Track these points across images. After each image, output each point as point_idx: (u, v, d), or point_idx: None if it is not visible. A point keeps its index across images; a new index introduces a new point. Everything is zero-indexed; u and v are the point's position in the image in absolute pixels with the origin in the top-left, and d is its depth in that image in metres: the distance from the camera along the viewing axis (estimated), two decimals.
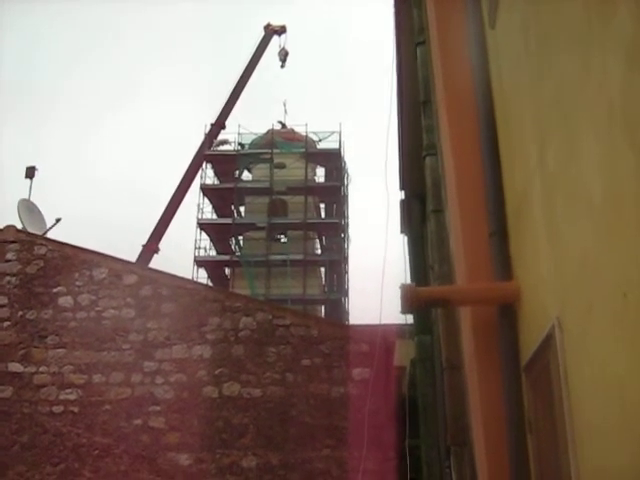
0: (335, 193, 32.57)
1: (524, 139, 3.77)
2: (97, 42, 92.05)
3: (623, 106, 2.26)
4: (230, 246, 31.68)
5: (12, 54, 79.72)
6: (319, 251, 33.29)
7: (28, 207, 16.49)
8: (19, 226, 14.17)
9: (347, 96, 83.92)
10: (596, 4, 2.50)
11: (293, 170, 31.13)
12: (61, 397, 11.73)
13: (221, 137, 33.56)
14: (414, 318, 8.64)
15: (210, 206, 32.06)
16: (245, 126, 33.09)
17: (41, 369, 11.92)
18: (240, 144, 32.93)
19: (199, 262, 30.50)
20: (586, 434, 2.85)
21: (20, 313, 12.28)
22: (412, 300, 4.25)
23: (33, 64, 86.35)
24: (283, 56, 35.96)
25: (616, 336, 2.40)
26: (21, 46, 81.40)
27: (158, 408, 11.49)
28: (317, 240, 33.29)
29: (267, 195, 31.00)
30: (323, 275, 32.69)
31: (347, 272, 32.07)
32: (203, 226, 31.14)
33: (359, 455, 10.28)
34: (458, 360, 5.42)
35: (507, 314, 4.03)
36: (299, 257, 29.33)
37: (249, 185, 32.46)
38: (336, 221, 32.14)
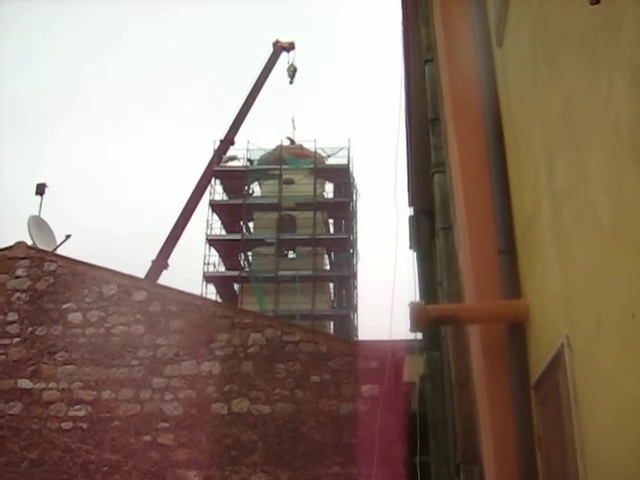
0: (344, 209, 32.57)
1: (532, 157, 3.78)
2: (105, 58, 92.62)
3: (630, 123, 2.28)
4: (239, 262, 31.69)
5: (21, 65, 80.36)
6: (328, 267, 33.26)
7: (38, 224, 16.56)
8: (29, 242, 14.22)
9: (356, 112, 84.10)
10: (602, 21, 2.52)
11: (302, 186, 31.17)
12: (70, 413, 11.74)
13: (230, 153, 33.64)
14: (423, 334, 8.63)
15: (219, 222, 32.13)
16: (254, 142, 33.23)
17: (50, 385, 11.93)
18: (249, 160, 33.00)
19: (208, 278, 30.52)
20: (596, 451, 2.84)
21: (30, 329, 12.31)
22: (421, 318, 4.25)
23: (40, 77, 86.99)
24: (292, 72, 36.11)
25: (625, 355, 2.40)
26: (27, 57, 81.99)
27: (167, 424, 11.49)
28: (326, 256, 33.27)
29: (276, 211, 31.02)
30: (332, 291, 32.65)
31: (356, 288, 32.03)
32: (212, 242, 31.17)
33: (369, 472, 10.25)
34: (467, 377, 5.42)
35: (516, 332, 4.03)
36: (308, 273, 29.30)
37: (258, 201, 32.48)
38: (345, 237, 32.12)
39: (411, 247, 10.35)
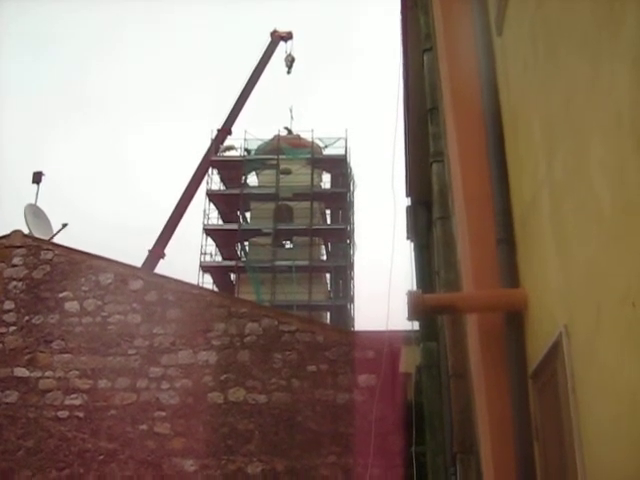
0: (341, 199, 32.57)
1: (532, 146, 3.77)
2: (105, 47, 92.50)
3: (631, 114, 2.26)
4: (236, 252, 31.69)
5: (22, 56, 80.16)
6: (325, 257, 33.29)
7: (34, 212, 16.51)
8: (26, 231, 14.18)
9: (354, 102, 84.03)
10: (604, 12, 2.50)
11: (299, 176, 31.16)
12: (66, 402, 11.72)
13: (227, 143, 33.61)
14: (420, 325, 8.64)
15: (216, 212, 32.10)
16: (251, 132, 33.19)
17: (47, 374, 11.91)
18: (246, 150, 32.97)
19: (205, 267, 30.52)
20: (594, 441, 2.84)
21: (26, 318, 12.28)
22: (419, 307, 4.25)
23: (41, 67, 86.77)
24: (289, 62, 36.07)
25: (625, 345, 2.39)
26: (30, 49, 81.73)
27: (163, 414, 11.48)
28: (323, 246, 33.29)
29: (273, 201, 31.01)
30: (329, 281, 32.68)
31: (353, 278, 32.04)
32: (209, 232, 31.16)
33: (365, 462, 10.26)
34: (464, 367, 5.42)
35: (514, 321, 4.02)
36: (305, 263, 29.32)
37: (255, 191, 32.47)
38: (342, 227, 32.12)
39: (408, 237, 10.36)
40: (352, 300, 31.48)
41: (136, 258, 27.97)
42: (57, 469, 11.34)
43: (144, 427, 11.44)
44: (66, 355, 11.98)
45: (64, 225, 17.60)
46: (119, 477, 11.21)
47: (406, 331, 10.06)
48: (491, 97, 4.54)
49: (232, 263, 30.91)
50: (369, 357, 11.35)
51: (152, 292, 12.27)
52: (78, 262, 12.63)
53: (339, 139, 32.84)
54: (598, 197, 2.64)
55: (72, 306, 12.28)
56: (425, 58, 6.77)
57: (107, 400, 11.66)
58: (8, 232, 13.16)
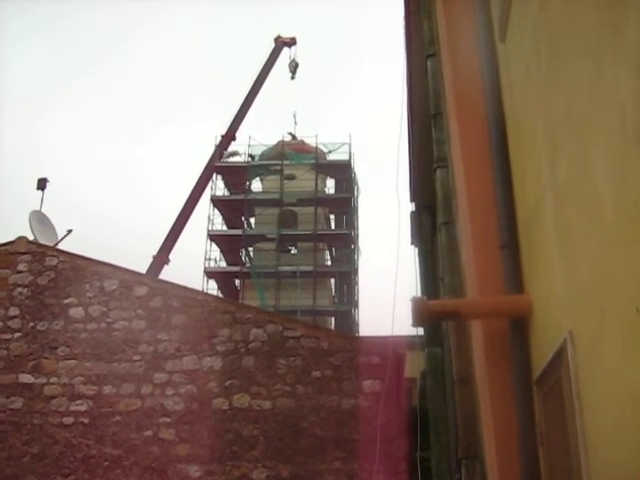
0: (345, 204, 32.54)
1: (535, 151, 3.77)
2: (108, 50, 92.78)
3: (635, 117, 2.26)
4: (240, 257, 31.68)
5: (24, 57, 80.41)
6: (329, 262, 33.26)
7: (39, 218, 16.53)
8: (30, 237, 14.21)
9: (358, 108, 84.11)
10: (607, 16, 2.50)
11: (303, 181, 31.13)
12: (71, 408, 11.73)
13: (231, 149, 33.63)
14: (424, 330, 8.63)
15: (220, 217, 32.12)
16: (255, 137, 33.21)
17: (52, 380, 11.93)
18: (250, 155, 32.96)
19: (209, 273, 30.50)
20: (599, 446, 2.84)
21: (31, 324, 12.30)
22: (423, 313, 4.24)
23: (43, 70, 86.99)
24: (293, 68, 36.11)
25: (629, 350, 2.39)
26: (32, 49, 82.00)
27: (168, 419, 11.48)
28: (327, 251, 33.26)
29: (277, 206, 30.99)
30: (333, 286, 32.64)
31: (357, 283, 32.00)
32: (213, 237, 31.17)
33: (370, 468, 10.24)
34: (469, 373, 5.41)
35: (519, 327, 4.02)
36: (309, 268, 29.29)
37: (259, 196, 32.46)
38: (346, 232, 32.08)
39: (412, 243, 10.35)
40: (356, 305, 31.45)
41: (141, 264, 28.02)
42: (62, 475, 11.35)
43: (149, 433, 11.44)
44: (71, 361, 11.99)
45: (69, 231, 17.64)
46: None
47: (411, 336, 10.05)
48: (494, 102, 4.55)
49: (236, 269, 30.88)
50: (374, 363, 11.33)
51: (157, 298, 12.28)
52: (83, 268, 12.65)
53: (343, 144, 32.85)
54: (601, 202, 2.64)
55: (77, 312, 12.30)
56: (429, 63, 6.78)
57: (112, 406, 11.66)
58: (13, 239, 13.18)
